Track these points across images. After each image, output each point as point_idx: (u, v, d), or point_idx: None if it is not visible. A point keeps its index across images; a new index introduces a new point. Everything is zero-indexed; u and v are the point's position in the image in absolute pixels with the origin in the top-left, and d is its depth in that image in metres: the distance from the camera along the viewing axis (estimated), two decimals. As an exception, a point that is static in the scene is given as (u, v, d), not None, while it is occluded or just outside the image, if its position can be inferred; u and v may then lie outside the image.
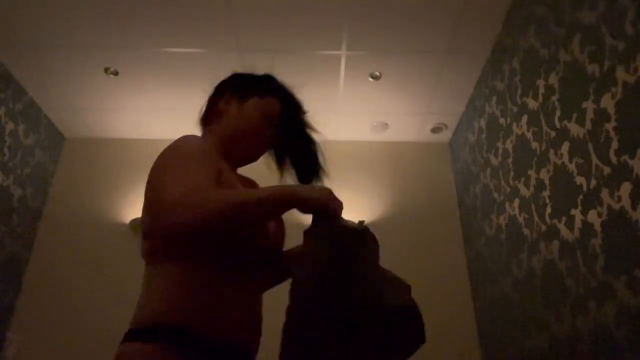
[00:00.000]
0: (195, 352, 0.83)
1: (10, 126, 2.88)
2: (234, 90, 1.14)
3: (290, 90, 1.18)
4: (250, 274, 0.98)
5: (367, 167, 3.42)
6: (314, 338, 0.77)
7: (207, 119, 1.16)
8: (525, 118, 2.25)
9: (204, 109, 1.18)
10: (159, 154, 1.01)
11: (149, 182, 0.95)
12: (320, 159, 1.16)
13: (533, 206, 2.13)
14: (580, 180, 1.74)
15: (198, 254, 0.92)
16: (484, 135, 2.84)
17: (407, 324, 0.79)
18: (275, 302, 1.14)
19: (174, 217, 0.79)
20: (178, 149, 0.97)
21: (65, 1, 2.38)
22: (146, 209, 0.95)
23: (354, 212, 3.25)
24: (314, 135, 1.16)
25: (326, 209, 0.91)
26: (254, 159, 1.16)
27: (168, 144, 1.05)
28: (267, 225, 1.04)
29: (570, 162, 1.81)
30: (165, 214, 0.80)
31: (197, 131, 1.21)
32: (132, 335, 0.88)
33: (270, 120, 1.12)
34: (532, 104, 2.17)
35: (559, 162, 1.90)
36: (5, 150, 2.84)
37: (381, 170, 3.43)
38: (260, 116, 1.10)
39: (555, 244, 1.91)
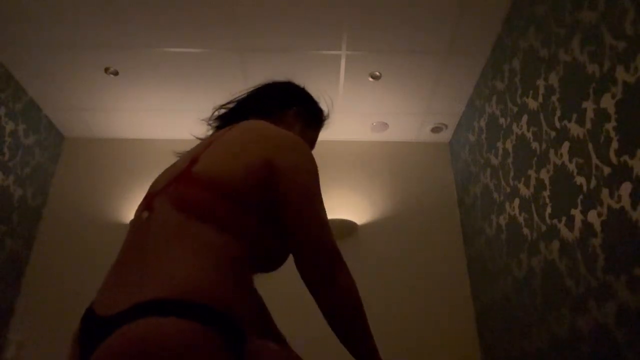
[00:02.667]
0: (232, 339, 0.73)
1: (10, 126, 2.88)
2: (305, 111, 1.19)
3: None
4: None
5: (367, 167, 3.42)
6: None
7: (270, 109, 1.15)
8: (525, 118, 2.25)
9: (267, 99, 1.17)
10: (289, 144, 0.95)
11: (295, 168, 0.90)
12: None
13: (533, 206, 2.13)
14: (580, 180, 1.74)
15: (260, 240, 0.88)
16: (484, 135, 2.84)
17: None
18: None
19: (335, 263, 0.87)
20: (316, 166, 0.96)
21: (65, 1, 2.38)
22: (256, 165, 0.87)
23: (353, 212, 3.25)
24: None
25: None
26: None
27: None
28: None
29: (570, 162, 1.81)
30: (327, 254, 0.87)
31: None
32: (162, 307, 0.69)
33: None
34: (532, 104, 2.17)
35: (559, 162, 1.90)
36: (5, 150, 2.84)
37: (381, 170, 3.43)
38: (310, 145, 1.20)
39: (555, 244, 1.91)
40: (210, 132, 1.18)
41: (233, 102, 1.19)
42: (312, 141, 1.22)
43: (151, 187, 0.96)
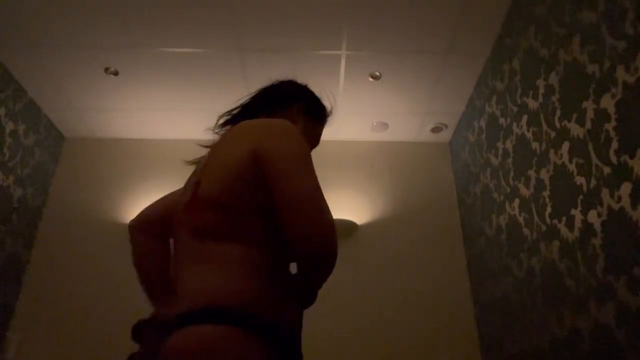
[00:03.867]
0: (275, 342, 0.84)
1: (10, 126, 2.88)
2: (306, 106, 1.23)
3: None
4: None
5: (367, 167, 3.42)
6: None
7: (273, 107, 1.19)
8: (525, 118, 2.25)
9: (273, 95, 1.22)
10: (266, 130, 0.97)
11: (274, 154, 0.91)
12: None
13: (533, 206, 2.13)
14: (580, 180, 1.74)
15: (270, 242, 0.93)
16: (484, 135, 2.84)
17: None
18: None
19: (329, 246, 0.86)
20: (303, 144, 0.96)
21: (65, 1, 2.38)
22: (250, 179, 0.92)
23: (353, 212, 3.25)
24: None
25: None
26: None
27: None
28: None
29: (570, 162, 1.81)
30: (321, 238, 0.86)
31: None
32: (210, 315, 0.81)
33: (314, 145, 1.26)
34: (532, 104, 2.17)
35: (559, 162, 1.90)
36: (5, 150, 2.84)
37: (381, 170, 3.43)
38: (313, 140, 1.24)
39: (555, 244, 1.91)
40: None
41: (237, 107, 1.23)
42: (316, 137, 1.24)
43: (175, 210, 1.07)
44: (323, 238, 0.85)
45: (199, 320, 0.80)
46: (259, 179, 0.91)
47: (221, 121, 1.22)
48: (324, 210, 0.87)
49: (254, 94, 1.24)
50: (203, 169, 1.00)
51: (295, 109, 1.20)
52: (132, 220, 1.19)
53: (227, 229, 0.90)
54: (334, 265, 0.89)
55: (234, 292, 0.84)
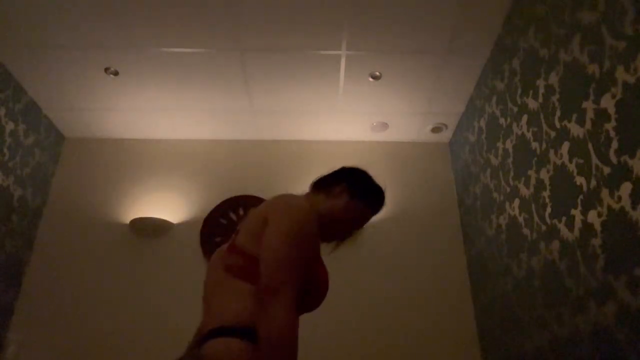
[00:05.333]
0: None
1: (10, 126, 2.88)
2: (351, 185, 1.38)
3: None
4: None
5: (367, 167, 3.41)
6: None
7: (321, 187, 1.40)
8: (525, 118, 2.25)
9: (325, 178, 1.43)
10: (273, 207, 1.24)
11: (271, 225, 1.17)
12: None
13: (533, 206, 2.13)
14: (580, 180, 1.74)
15: None
16: (484, 135, 2.84)
17: None
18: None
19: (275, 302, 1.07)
20: (297, 224, 1.18)
21: (65, 1, 2.38)
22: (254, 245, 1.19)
23: (354, 212, 3.24)
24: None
25: None
26: (328, 240, 1.40)
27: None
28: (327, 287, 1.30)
29: (570, 162, 1.81)
30: (268, 294, 1.09)
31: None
32: (234, 332, 1.09)
33: (359, 225, 1.41)
34: (532, 104, 2.18)
35: (559, 162, 1.90)
36: (5, 150, 2.84)
37: (381, 170, 3.40)
38: (356, 219, 1.38)
39: (555, 244, 1.91)
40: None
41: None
42: (362, 213, 1.38)
43: (218, 249, 1.36)
44: (268, 327, 1.05)
45: (224, 334, 1.08)
46: None
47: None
48: (279, 303, 1.06)
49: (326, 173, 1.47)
50: (242, 223, 1.30)
51: (339, 188, 1.37)
52: None
53: (246, 269, 1.17)
54: (281, 352, 1.03)
55: (246, 316, 1.12)
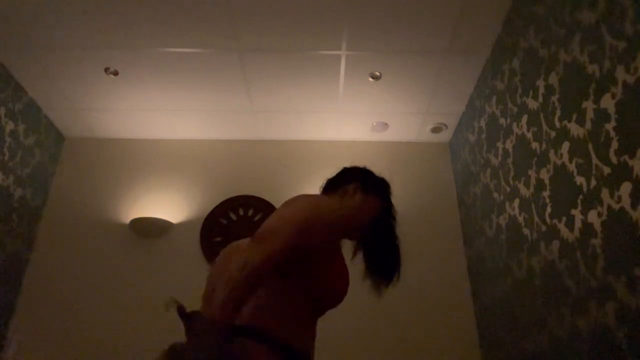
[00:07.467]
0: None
1: (10, 126, 2.88)
2: (363, 182, 1.46)
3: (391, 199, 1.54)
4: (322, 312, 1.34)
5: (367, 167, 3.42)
6: None
7: (332, 189, 1.46)
8: (525, 118, 2.25)
9: (335, 178, 1.51)
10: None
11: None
12: (399, 264, 1.57)
13: (533, 206, 2.13)
14: (580, 180, 1.74)
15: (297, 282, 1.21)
16: (484, 135, 2.84)
17: None
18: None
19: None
20: (298, 211, 1.20)
21: (65, 1, 2.38)
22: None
23: (354, 212, 3.24)
24: (398, 242, 1.57)
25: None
26: (352, 238, 1.47)
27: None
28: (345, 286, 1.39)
29: (570, 162, 1.81)
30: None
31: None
32: (248, 332, 1.09)
33: (373, 219, 1.45)
34: (532, 104, 2.17)
35: (559, 162, 1.90)
36: (5, 150, 2.84)
37: (381, 170, 3.41)
38: (370, 212, 1.44)
39: (555, 244, 1.91)
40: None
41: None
42: (376, 206, 1.46)
43: (227, 247, 1.36)
44: (236, 258, 1.05)
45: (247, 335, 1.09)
46: None
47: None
48: (259, 247, 1.05)
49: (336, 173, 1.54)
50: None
51: (352, 187, 1.44)
52: None
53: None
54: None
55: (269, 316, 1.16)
